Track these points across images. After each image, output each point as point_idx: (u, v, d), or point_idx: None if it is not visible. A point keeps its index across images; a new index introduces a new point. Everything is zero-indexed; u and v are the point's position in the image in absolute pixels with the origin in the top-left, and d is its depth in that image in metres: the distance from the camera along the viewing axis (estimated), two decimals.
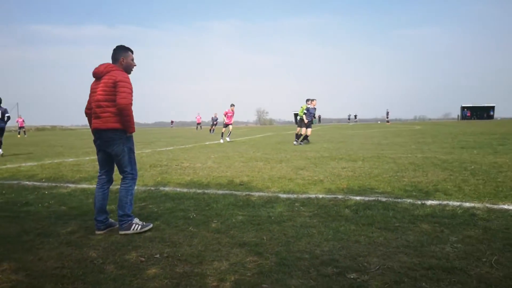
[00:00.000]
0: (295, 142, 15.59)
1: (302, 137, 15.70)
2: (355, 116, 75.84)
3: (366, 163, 8.64)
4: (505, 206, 4.40)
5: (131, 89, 3.76)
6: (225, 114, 19.11)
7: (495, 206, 4.43)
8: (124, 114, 3.70)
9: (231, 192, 5.68)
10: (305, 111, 15.53)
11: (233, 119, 19.41)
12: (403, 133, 23.85)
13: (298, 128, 15.90)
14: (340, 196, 5.18)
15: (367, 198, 5.00)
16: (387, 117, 57.57)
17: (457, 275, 2.63)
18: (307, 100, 15.70)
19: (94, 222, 3.91)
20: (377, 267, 2.82)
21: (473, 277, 2.60)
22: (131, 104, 3.73)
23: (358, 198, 5.06)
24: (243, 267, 2.88)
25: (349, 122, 73.72)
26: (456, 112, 78.92)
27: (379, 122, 73.59)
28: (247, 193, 5.55)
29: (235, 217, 4.23)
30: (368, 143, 15.42)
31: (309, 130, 15.69)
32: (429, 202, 4.69)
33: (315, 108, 16.00)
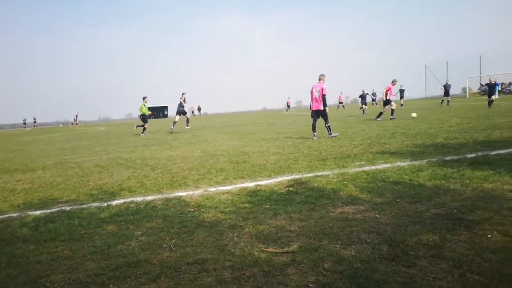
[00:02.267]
0: None
1: None
2: (34, 120, 68.22)
3: (47, 171, 7.87)
4: (179, 193, 5.07)
5: None
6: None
7: (172, 195, 5.03)
8: None
9: None
10: None
11: None
12: (88, 135, 23.40)
13: None
14: (15, 215, 4.46)
15: (49, 211, 4.54)
16: (75, 120, 56.52)
17: (142, 267, 2.79)
18: None
19: None
20: (62, 283, 2.59)
21: (156, 264, 2.83)
22: None
23: (38, 212, 4.51)
24: None
25: (25, 127, 65.37)
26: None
27: (61, 125, 69.18)
28: None
29: None
30: (49, 149, 14.13)
31: None
32: (114, 202, 4.77)
33: None
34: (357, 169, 5.78)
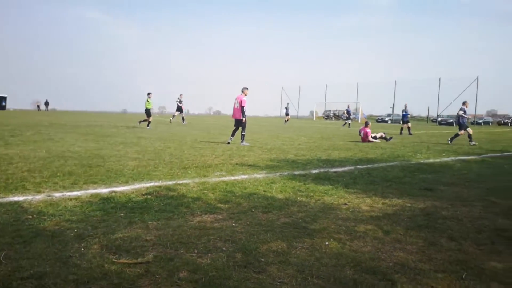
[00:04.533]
0: None
1: None
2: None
3: None
4: (15, 198, 4.37)
5: None
6: None
7: (5, 200, 4.30)
8: None
9: None
10: None
11: None
12: None
13: None
14: None
15: None
16: None
17: None
18: None
19: None
20: None
21: None
22: None
23: None
24: None
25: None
26: None
27: None
28: None
29: None
30: None
31: None
32: None
33: None
34: (217, 179, 5.93)
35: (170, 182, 5.56)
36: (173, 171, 6.60)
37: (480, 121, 54.31)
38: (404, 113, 22.01)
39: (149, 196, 4.68)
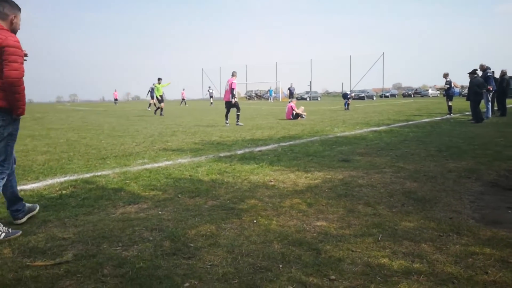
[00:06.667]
0: None
1: None
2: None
3: None
4: None
5: (23, 57, 3.05)
6: None
7: None
8: (14, 91, 3.00)
9: None
10: None
11: None
12: None
13: None
14: None
15: None
16: None
17: None
18: None
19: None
20: None
21: None
22: (22, 77, 3.02)
23: None
24: None
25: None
26: None
27: None
28: None
29: None
30: None
31: None
32: None
33: None
34: (140, 167, 5.69)
35: (88, 175, 5.21)
36: (90, 162, 6.19)
37: (387, 94, 59.10)
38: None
39: (64, 192, 4.34)
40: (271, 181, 4.75)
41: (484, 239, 2.86)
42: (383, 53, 54.07)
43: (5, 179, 3.18)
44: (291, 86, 33.08)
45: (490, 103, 14.11)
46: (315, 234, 3.01)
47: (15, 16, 3.15)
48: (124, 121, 16.23)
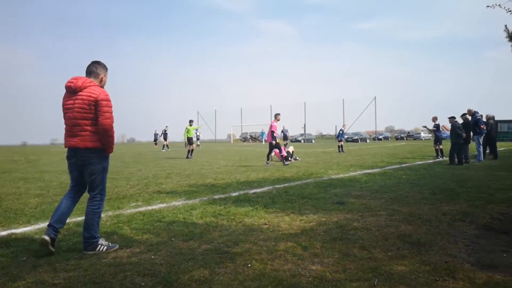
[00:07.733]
0: None
1: None
2: None
3: None
4: None
5: (112, 107, 3.67)
6: None
7: None
8: (107, 135, 3.66)
9: None
10: None
11: None
12: None
13: None
14: None
15: None
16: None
17: None
18: None
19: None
20: None
21: None
22: (113, 124, 3.68)
23: None
24: None
25: None
26: None
27: None
28: None
29: None
30: None
31: None
32: None
33: None
34: (133, 210, 5.64)
35: (80, 218, 5.14)
36: (83, 205, 6.09)
37: (380, 136, 59.89)
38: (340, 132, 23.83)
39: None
40: (266, 224, 4.72)
41: (479, 283, 2.84)
42: (375, 97, 55.44)
43: (103, 205, 4.03)
44: (284, 129, 33.46)
45: (481, 147, 14.35)
46: (310, 279, 2.97)
47: (104, 75, 3.88)
48: (118, 163, 16.20)
